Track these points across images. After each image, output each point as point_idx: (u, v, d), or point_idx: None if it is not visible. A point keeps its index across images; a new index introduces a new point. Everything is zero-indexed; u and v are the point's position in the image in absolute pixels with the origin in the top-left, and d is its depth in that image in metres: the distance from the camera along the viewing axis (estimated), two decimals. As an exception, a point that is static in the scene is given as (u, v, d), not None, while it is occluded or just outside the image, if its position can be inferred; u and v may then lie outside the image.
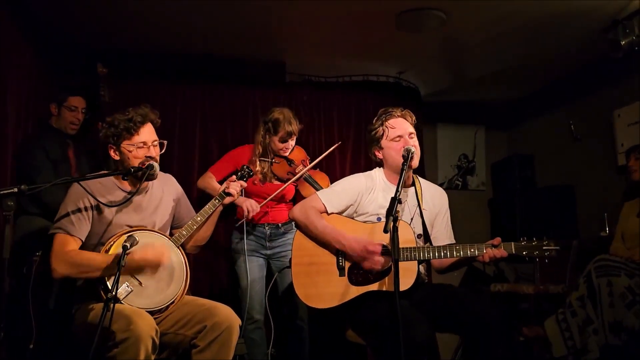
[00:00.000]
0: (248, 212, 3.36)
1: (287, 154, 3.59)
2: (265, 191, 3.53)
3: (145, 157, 2.53)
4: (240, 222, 3.51)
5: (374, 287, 2.56)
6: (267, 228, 3.56)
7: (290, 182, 3.51)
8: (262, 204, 3.45)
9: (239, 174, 2.90)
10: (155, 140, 2.59)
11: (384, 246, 2.58)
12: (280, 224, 3.57)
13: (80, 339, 2.43)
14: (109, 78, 3.66)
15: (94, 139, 3.40)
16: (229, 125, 4.46)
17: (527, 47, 4.43)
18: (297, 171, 3.53)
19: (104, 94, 3.57)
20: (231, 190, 2.74)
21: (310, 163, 3.57)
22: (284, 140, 3.52)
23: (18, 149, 3.49)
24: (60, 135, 3.61)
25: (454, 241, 2.83)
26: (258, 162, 3.54)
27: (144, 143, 2.54)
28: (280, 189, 3.50)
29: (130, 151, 2.52)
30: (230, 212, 3.62)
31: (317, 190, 3.38)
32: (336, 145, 3.73)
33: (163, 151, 2.63)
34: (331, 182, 2.97)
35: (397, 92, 4.96)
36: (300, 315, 3.60)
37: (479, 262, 2.63)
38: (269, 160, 3.55)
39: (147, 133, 2.56)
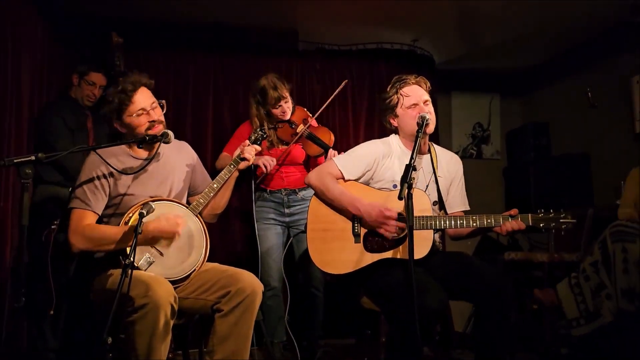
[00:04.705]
0: (266, 167, 3.40)
1: (287, 117, 3.57)
2: (274, 158, 3.54)
3: (149, 122, 2.52)
4: (262, 177, 3.54)
5: (388, 254, 2.58)
6: (283, 193, 3.59)
7: (292, 143, 3.52)
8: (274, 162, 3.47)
9: (252, 137, 2.90)
10: (154, 102, 2.56)
11: (399, 214, 2.58)
12: (297, 189, 3.59)
13: (98, 305, 2.48)
14: (123, 48, 3.65)
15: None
16: (241, 94, 4.42)
17: (543, 12, 4.32)
18: (298, 131, 3.53)
19: (119, 63, 3.55)
20: (246, 155, 2.73)
21: (312, 120, 3.58)
22: (275, 106, 3.53)
23: (37, 116, 3.54)
24: (79, 106, 3.65)
25: (468, 208, 2.83)
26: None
27: (143, 109, 2.51)
28: (283, 152, 3.53)
29: (132, 121, 2.51)
30: (245, 181, 3.62)
31: (320, 146, 3.41)
32: (342, 84, 3.63)
33: (164, 111, 2.61)
34: (344, 150, 2.95)
35: (411, 60, 4.90)
36: (315, 284, 3.63)
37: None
38: (273, 126, 3.55)
39: (143, 98, 2.53)
